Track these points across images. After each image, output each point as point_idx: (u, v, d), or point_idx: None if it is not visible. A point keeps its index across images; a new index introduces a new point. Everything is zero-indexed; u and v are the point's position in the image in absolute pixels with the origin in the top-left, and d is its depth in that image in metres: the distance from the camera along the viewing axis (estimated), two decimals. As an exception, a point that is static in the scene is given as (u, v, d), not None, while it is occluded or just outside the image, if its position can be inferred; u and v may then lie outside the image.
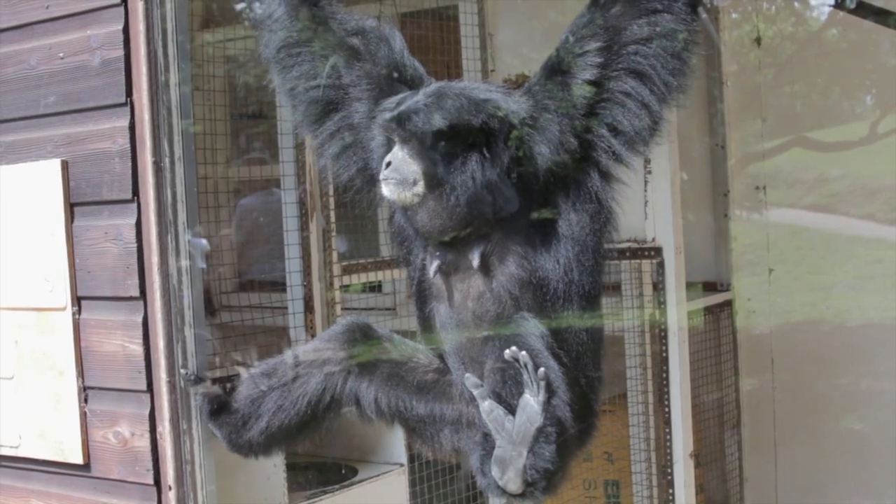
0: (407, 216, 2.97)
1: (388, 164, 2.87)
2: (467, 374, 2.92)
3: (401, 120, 2.85)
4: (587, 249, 2.97)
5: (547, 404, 2.76)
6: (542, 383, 2.75)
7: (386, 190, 2.89)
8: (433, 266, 2.99)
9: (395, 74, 3.07)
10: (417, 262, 3.10)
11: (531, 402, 2.76)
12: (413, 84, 3.07)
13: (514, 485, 2.82)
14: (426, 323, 3.14)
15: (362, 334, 3.23)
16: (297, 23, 3.12)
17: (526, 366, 2.76)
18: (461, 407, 3.13)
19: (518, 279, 2.93)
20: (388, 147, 2.91)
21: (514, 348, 2.77)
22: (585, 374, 3.03)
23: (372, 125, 2.98)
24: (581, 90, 2.86)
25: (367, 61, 3.09)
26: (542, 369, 2.74)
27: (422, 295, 3.13)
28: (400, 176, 2.86)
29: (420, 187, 2.86)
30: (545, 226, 2.92)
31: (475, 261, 2.93)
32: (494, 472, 2.84)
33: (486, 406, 2.83)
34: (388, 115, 2.87)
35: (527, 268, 2.93)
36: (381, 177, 2.88)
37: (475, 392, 2.87)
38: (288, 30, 3.13)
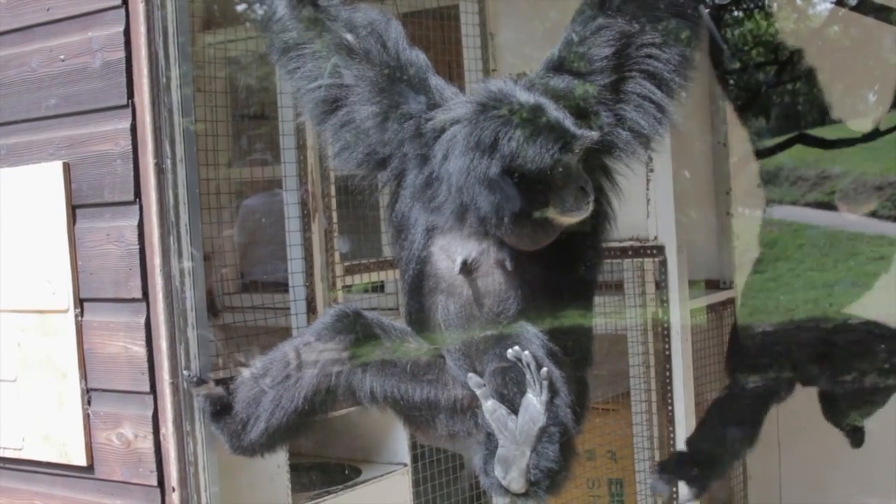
0: (531, 227, 2.90)
1: (582, 188, 2.83)
2: (470, 375, 2.93)
3: (582, 140, 2.79)
4: (591, 247, 2.99)
5: (550, 404, 2.77)
6: (545, 383, 2.75)
7: (588, 210, 2.85)
8: (458, 262, 2.98)
9: (398, 74, 3.07)
10: (415, 252, 3.09)
11: (534, 401, 2.77)
12: (413, 81, 3.06)
13: (518, 484, 2.82)
14: (422, 315, 3.13)
15: (353, 322, 3.23)
16: (297, 23, 3.13)
17: (529, 366, 2.76)
18: (455, 392, 3.13)
19: (540, 278, 2.94)
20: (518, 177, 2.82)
21: (516, 348, 2.78)
22: (586, 374, 3.05)
23: (523, 165, 2.80)
24: (584, 89, 2.87)
25: (362, 61, 3.10)
26: (544, 369, 2.75)
27: (419, 287, 3.11)
28: (593, 195, 2.85)
29: None
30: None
31: (508, 262, 2.94)
32: (498, 471, 2.84)
33: (489, 406, 2.84)
34: (566, 143, 2.78)
35: (545, 267, 2.94)
36: (586, 202, 2.84)
37: (478, 392, 2.87)
38: (289, 31, 3.15)
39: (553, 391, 2.77)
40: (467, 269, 2.98)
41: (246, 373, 3.31)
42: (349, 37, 3.10)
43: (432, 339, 3.13)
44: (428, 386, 3.17)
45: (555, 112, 2.80)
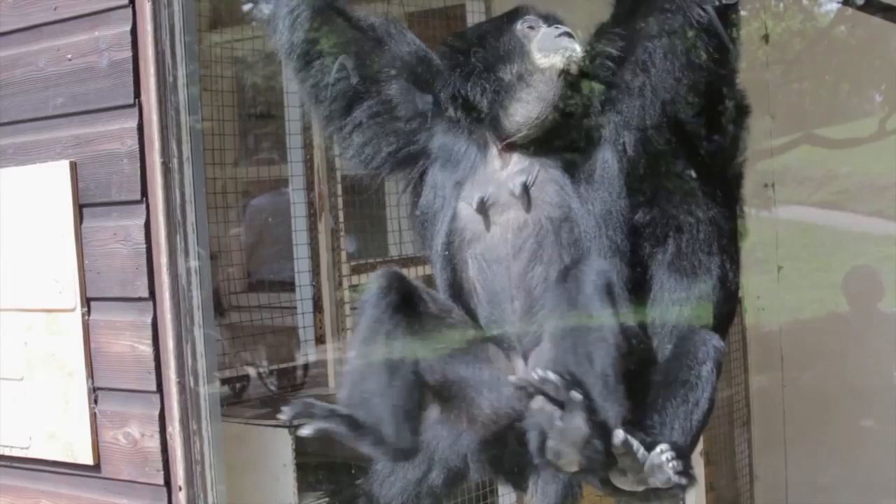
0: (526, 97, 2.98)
1: (563, 33, 2.97)
2: (511, 377, 2.86)
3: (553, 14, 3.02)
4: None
5: (591, 418, 2.72)
6: (579, 403, 2.69)
7: (573, 47, 2.95)
8: (475, 200, 2.97)
9: (426, 57, 3.12)
10: (444, 224, 3.06)
11: (577, 414, 2.73)
12: (436, 68, 3.12)
13: (571, 468, 2.80)
14: (456, 279, 3.07)
15: (402, 300, 3.06)
16: (315, 18, 3.10)
17: (558, 389, 2.72)
18: (502, 364, 3.06)
19: (555, 206, 2.96)
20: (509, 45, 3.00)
21: (542, 372, 2.72)
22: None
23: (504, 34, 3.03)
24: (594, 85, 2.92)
25: (391, 51, 3.12)
26: (574, 393, 2.69)
27: (450, 252, 3.06)
28: (573, 35, 2.97)
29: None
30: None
31: (517, 189, 2.95)
32: (550, 454, 2.80)
33: (536, 404, 2.79)
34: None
35: (560, 188, 2.98)
36: (563, 31, 2.97)
37: (523, 391, 2.81)
38: (305, 26, 3.12)
39: (591, 408, 2.72)
40: (485, 207, 2.98)
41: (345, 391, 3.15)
42: (374, 31, 3.13)
43: (475, 315, 3.07)
44: (473, 363, 3.08)
45: None
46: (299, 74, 3.16)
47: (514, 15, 3.06)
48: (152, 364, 3.36)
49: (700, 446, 4.89)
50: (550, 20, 3.04)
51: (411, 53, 3.14)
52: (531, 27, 3.02)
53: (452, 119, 3.07)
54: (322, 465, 4.66)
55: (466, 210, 3.02)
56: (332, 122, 3.17)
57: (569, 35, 2.98)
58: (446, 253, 3.08)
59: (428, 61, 3.13)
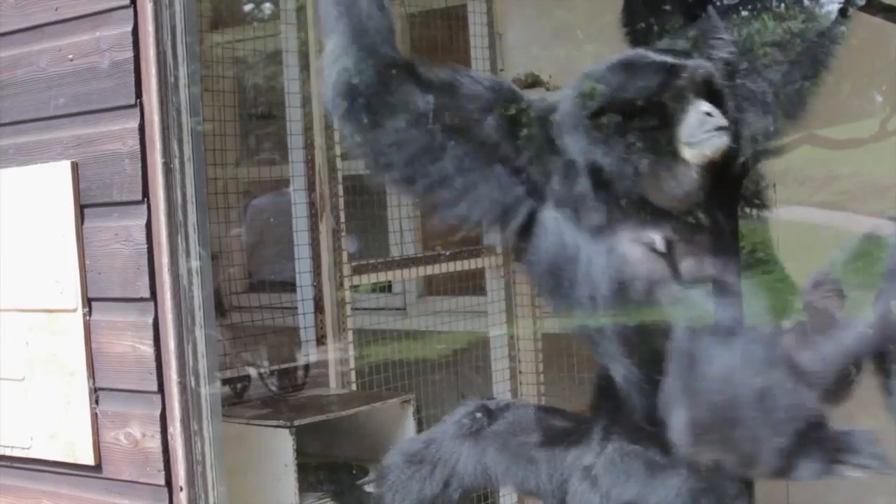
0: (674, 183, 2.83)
1: (709, 114, 2.76)
2: None
3: (701, 72, 2.80)
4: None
5: None
6: None
7: (721, 142, 2.79)
8: (658, 240, 2.82)
9: (505, 89, 2.97)
10: (607, 267, 2.86)
11: None
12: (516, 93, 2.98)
13: None
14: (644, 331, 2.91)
15: None
16: (382, 74, 2.79)
17: None
18: None
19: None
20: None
21: None
22: None
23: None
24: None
25: (469, 97, 2.88)
26: None
27: (626, 303, 2.88)
28: (725, 122, 2.77)
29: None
30: None
31: (705, 220, 2.93)
32: None
33: None
34: (682, 75, 2.78)
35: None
36: (714, 125, 2.76)
37: None
38: (373, 84, 2.80)
39: None
40: (671, 244, 2.84)
41: None
42: (445, 79, 2.88)
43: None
44: None
45: (654, 52, 2.80)
46: (366, 136, 2.84)
47: (665, 77, 2.78)
48: (153, 364, 3.36)
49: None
50: (701, 85, 2.81)
51: (494, 91, 2.90)
52: (683, 99, 2.79)
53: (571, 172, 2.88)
54: (323, 465, 4.67)
55: (642, 253, 2.85)
56: (413, 184, 2.89)
57: (720, 127, 2.77)
58: (620, 300, 2.87)
59: (516, 99, 2.92)
